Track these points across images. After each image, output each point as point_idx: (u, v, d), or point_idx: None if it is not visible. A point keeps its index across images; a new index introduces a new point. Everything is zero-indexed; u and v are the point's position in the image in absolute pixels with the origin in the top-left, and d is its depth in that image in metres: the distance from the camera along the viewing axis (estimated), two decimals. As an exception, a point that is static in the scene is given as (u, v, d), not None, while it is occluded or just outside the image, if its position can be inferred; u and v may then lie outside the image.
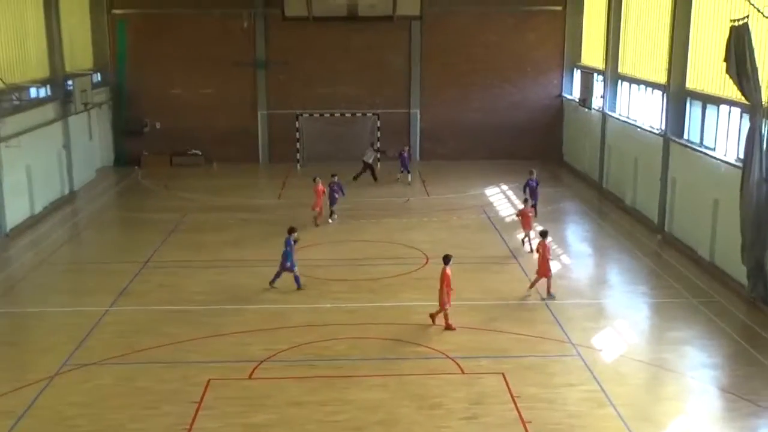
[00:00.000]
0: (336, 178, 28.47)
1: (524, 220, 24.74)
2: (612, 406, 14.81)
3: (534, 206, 27.86)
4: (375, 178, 34.58)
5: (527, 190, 27.94)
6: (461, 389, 15.49)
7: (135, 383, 15.79)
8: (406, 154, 34.34)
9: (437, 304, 18.45)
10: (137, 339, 17.96)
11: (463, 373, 16.23)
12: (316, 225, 27.26)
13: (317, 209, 27.52)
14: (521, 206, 26.01)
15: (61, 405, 14.92)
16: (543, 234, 20.96)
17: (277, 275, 21.16)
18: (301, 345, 17.59)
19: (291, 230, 21.38)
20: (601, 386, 15.57)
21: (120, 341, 17.84)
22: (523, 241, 24.85)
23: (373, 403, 14.94)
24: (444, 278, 18.29)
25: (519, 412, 14.53)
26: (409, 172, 34.39)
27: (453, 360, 16.78)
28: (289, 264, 20.96)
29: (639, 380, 16.11)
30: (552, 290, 20.51)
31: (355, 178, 34.01)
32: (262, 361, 16.73)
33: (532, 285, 20.77)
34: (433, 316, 18.67)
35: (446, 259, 18.64)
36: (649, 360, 16.90)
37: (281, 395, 15.25)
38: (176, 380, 15.88)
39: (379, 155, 35.13)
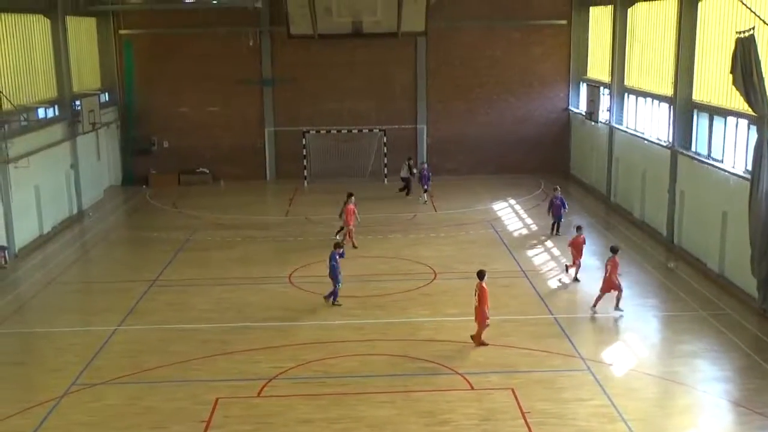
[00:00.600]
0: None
1: (575, 249, 23.05)
2: (623, 421, 14.71)
3: (554, 224, 27.74)
4: (407, 192, 34.59)
5: (551, 208, 27.76)
6: (471, 405, 15.41)
7: (143, 402, 15.77)
8: (426, 172, 33.92)
9: (442, 319, 18.24)
10: (145, 358, 17.96)
11: (472, 388, 16.16)
12: (354, 246, 26.57)
13: (349, 227, 26.75)
14: (539, 225, 25.03)
15: (70, 425, 14.91)
16: (614, 250, 20.61)
17: (335, 293, 21.25)
18: (309, 362, 17.56)
19: (336, 245, 21.53)
20: (611, 401, 15.47)
21: (128, 360, 17.84)
22: (567, 268, 23.39)
23: (382, 420, 14.87)
24: (482, 294, 18.13)
25: (529, 428, 14.44)
26: (425, 191, 33.63)
27: (462, 376, 16.71)
28: (336, 280, 21.08)
29: (650, 394, 16.00)
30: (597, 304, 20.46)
31: (407, 193, 34.50)
32: (270, 379, 16.69)
33: (596, 302, 20.47)
34: (476, 338, 18.32)
35: (481, 275, 18.45)
36: (660, 374, 16.79)
37: (290, 413, 15.20)
38: (184, 399, 15.85)
39: (414, 171, 34.78)
